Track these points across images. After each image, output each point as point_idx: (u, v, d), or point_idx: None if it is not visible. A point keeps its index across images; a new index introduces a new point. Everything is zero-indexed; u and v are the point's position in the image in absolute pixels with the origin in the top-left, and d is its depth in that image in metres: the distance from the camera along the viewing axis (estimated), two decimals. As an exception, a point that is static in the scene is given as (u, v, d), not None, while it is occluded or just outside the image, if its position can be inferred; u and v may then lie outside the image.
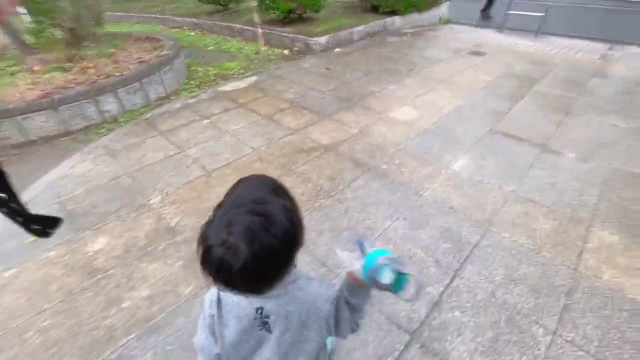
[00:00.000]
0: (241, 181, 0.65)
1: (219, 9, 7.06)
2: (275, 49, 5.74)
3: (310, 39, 5.38)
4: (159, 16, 7.67)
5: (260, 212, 0.55)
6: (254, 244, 0.52)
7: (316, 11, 6.29)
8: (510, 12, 6.68)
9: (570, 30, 7.06)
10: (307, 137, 3.00)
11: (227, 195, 0.62)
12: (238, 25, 6.40)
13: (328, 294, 0.71)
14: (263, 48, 5.75)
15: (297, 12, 6.07)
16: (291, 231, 0.57)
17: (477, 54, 5.17)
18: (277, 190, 0.63)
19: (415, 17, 7.07)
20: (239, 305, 0.69)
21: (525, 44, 5.70)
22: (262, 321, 0.68)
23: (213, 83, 4.37)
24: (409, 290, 0.60)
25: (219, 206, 0.60)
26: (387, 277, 0.60)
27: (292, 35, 5.61)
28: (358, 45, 5.77)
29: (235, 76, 4.56)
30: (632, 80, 4.09)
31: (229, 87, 4.16)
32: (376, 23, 6.32)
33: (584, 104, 3.50)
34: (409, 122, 3.21)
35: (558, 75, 4.27)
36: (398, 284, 0.60)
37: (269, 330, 0.68)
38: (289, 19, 6.28)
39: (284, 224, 0.55)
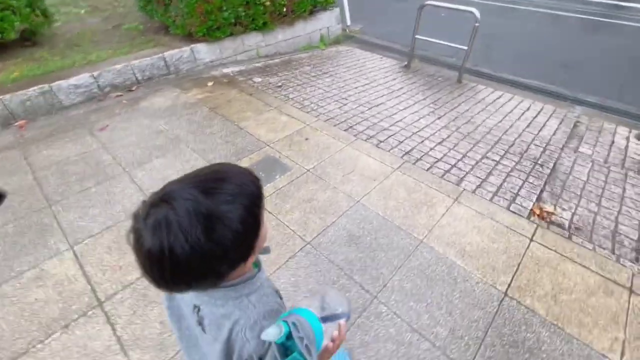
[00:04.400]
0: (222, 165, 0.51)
1: None
2: None
3: None
4: None
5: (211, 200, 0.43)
6: (184, 238, 0.40)
7: (28, 35, 3.21)
8: (419, 36, 3.71)
9: (513, 63, 4.21)
10: None
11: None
12: None
13: (260, 339, 0.49)
14: None
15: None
16: (240, 237, 0.45)
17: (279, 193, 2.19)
18: (256, 200, 0.49)
19: (256, 40, 3.99)
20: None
21: (425, 127, 2.74)
22: (198, 319, 0.59)
23: None
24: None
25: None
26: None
27: None
28: (60, 120, 2.75)
29: None
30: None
31: None
32: (144, 61, 3.24)
33: None
34: None
35: None
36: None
37: (204, 330, 0.59)
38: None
39: (234, 227, 0.43)
